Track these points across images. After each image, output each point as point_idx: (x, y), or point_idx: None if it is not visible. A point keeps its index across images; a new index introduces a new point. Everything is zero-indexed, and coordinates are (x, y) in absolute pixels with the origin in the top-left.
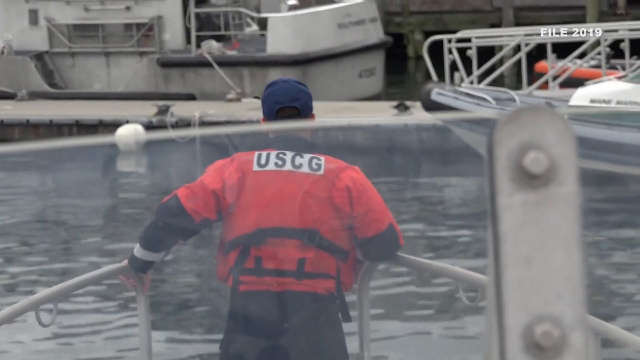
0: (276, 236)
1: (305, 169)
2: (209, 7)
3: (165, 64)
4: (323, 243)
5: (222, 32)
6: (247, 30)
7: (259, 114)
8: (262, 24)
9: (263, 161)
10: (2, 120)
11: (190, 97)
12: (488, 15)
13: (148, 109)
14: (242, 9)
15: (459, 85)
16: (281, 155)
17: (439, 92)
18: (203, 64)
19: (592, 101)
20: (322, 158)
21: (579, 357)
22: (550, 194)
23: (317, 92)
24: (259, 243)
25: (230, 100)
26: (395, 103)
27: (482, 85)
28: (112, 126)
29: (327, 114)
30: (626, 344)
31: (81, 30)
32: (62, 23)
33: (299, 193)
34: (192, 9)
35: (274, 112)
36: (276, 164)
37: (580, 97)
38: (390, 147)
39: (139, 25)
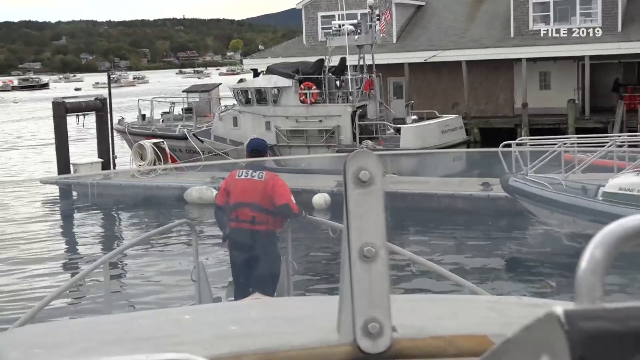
0: (243, 206)
1: (256, 177)
2: (366, 120)
3: (340, 152)
4: (262, 208)
5: (374, 135)
6: (388, 133)
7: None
8: (397, 130)
9: (241, 174)
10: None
11: None
12: None
13: (330, 182)
14: (385, 122)
15: (526, 174)
16: (248, 171)
17: (514, 179)
18: None
19: (620, 189)
20: (264, 172)
21: (383, 263)
22: (370, 190)
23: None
24: (237, 208)
25: None
26: (481, 182)
27: (539, 174)
28: (307, 193)
29: (441, 187)
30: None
31: (294, 133)
32: (284, 129)
33: (253, 187)
34: (357, 122)
35: (249, 152)
36: (245, 174)
37: (612, 185)
38: (476, 213)
39: (327, 131)
